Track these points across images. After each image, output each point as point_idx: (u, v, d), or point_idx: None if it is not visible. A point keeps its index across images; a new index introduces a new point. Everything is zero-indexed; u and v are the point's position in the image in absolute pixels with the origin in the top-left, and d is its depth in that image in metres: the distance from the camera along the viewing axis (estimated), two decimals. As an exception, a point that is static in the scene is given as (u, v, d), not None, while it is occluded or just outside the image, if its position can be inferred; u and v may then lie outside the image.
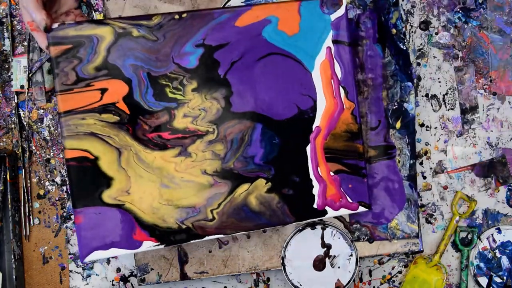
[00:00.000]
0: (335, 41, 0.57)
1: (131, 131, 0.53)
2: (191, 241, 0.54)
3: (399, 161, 0.61)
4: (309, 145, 0.57)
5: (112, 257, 0.69)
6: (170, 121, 0.54)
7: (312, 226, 0.65)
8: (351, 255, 0.65)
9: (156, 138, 0.54)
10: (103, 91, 0.53)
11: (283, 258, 0.65)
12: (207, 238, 0.55)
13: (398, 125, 0.59)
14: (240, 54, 0.55)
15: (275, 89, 0.56)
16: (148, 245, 0.54)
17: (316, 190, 0.57)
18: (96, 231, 0.53)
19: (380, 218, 0.65)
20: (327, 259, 0.65)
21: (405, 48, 0.56)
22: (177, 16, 0.53)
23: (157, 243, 0.54)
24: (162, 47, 0.53)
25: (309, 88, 0.57)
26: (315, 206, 0.57)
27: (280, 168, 0.56)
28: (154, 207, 0.54)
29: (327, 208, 0.57)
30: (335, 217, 0.66)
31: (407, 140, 0.59)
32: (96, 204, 0.53)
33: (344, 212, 0.58)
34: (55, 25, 0.51)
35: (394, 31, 0.56)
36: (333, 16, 0.57)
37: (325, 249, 0.65)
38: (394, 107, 0.59)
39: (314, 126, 0.57)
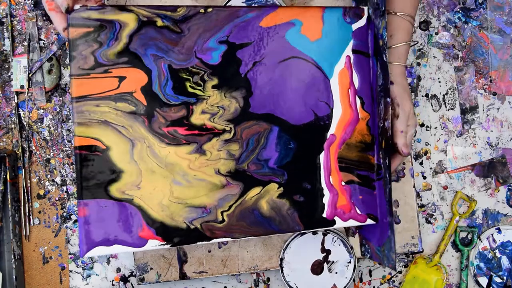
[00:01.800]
0: (354, 51, 0.56)
1: (147, 123, 0.51)
2: (198, 243, 0.53)
3: (383, 184, 0.57)
4: (323, 152, 0.56)
5: (112, 256, 0.69)
6: (188, 117, 0.52)
7: (314, 231, 0.65)
8: (350, 262, 0.65)
9: (172, 133, 0.52)
10: (121, 79, 0.51)
11: (281, 260, 0.65)
12: (214, 240, 0.53)
13: (383, 144, 0.55)
14: (263, 55, 0.54)
15: (294, 93, 0.55)
16: (154, 244, 0.52)
17: (326, 199, 0.56)
18: (100, 225, 0.50)
19: (376, 239, 0.62)
20: (325, 264, 0.65)
21: (386, 60, 0.54)
22: (202, 10, 0.52)
23: (163, 243, 0.52)
24: (186, 40, 0.52)
25: (326, 95, 0.56)
26: (324, 215, 0.56)
27: (293, 174, 0.55)
28: (163, 205, 0.52)
29: (336, 218, 0.56)
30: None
31: (387, 162, 0.55)
32: (103, 196, 0.51)
33: (352, 223, 0.57)
34: (77, 7, 0.49)
35: (380, 42, 0.55)
36: (355, 26, 0.56)
37: (324, 254, 0.65)
38: (381, 125, 0.56)
39: (328, 134, 0.56)
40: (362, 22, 0.57)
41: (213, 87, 0.53)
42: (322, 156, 0.56)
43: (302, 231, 0.64)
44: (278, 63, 0.54)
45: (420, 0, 0.70)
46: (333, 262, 0.65)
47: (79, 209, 0.50)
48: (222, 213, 0.53)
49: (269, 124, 0.54)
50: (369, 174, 0.57)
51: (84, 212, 0.50)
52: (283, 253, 0.65)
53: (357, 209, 0.57)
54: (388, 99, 0.54)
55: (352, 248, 0.65)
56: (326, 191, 0.56)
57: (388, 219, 0.55)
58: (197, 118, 0.52)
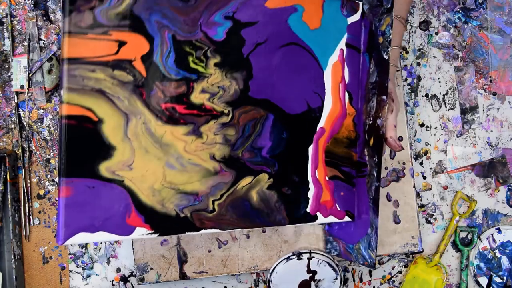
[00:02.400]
0: (348, 45, 0.56)
1: (145, 97, 0.47)
2: (186, 233, 0.50)
3: (368, 181, 0.56)
4: (312, 145, 0.56)
5: (112, 256, 0.69)
6: (188, 94, 0.49)
7: (298, 256, 0.65)
8: (336, 278, 0.66)
9: (170, 110, 0.48)
10: (121, 44, 0.46)
11: (269, 282, 0.65)
12: (202, 231, 0.50)
13: (371, 142, 0.54)
14: (265, 37, 0.52)
15: (290, 81, 0.54)
16: (141, 232, 0.48)
17: (311, 194, 0.55)
18: (84, 209, 0.45)
19: (349, 237, 0.61)
20: (312, 282, 0.66)
21: (386, 58, 0.53)
22: None
23: (150, 231, 0.48)
24: (192, 11, 0.49)
25: (320, 86, 0.55)
26: (308, 210, 0.55)
27: (283, 165, 0.54)
28: (155, 189, 0.48)
29: (318, 213, 0.56)
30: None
31: (376, 160, 0.54)
32: (91, 176, 0.45)
33: (331, 220, 0.56)
34: None
35: (381, 39, 0.54)
36: (350, 20, 0.56)
37: (311, 274, 0.65)
38: (370, 122, 0.55)
39: (318, 127, 0.56)
40: (356, 16, 0.57)
41: (215, 65, 0.50)
42: (310, 149, 0.55)
43: (286, 257, 0.65)
44: (278, 48, 0.53)
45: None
46: (319, 280, 0.66)
47: (60, 188, 0.44)
48: (213, 202, 0.51)
49: (265, 111, 0.53)
50: (351, 171, 0.57)
51: (67, 192, 0.45)
52: (270, 275, 0.65)
53: (337, 205, 0.57)
54: (384, 97, 0.53)
55: (337, 265, 0.65)
56: (311, 185, 0.55)
57: (370, 216, 0.55)
58: (196, 97, 0.50)
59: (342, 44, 0.56)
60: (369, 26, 0.56)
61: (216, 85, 0.51)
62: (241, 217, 0.52)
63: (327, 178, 0.56)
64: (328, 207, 0.56)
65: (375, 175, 0.54)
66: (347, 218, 0.57)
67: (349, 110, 0.57)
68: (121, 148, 0.47)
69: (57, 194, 0.69)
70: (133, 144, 0.47)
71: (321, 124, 0.56)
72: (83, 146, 0.45)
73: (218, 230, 0.51)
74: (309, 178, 0.55)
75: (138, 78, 0.47)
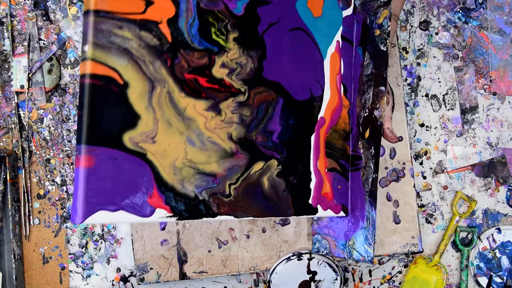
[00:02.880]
0: (343, 37, 0.57)
1: (169, 64, 0.45)
2: (204, 219, 0.48)
3: (363, 174, 0.56)
4: (313, 134, 0.55)
5: (112, 256, 0.69)
6: (209, 67, 0.48)
7: (299, 257, 0.65)
8: (336, 279, 0.66)
9: (193, 82, 0.47)
10: (148, 3, 0.45)
11: (269, 282, 0.65)
12: (218, 218, 0.48)
13: (366, 134, 0.54)
14: (277, 18, 0.52)
15: (297, 66, 0.54)
16: (160, 214, 0.44)
17: (313, 184, 0.55)
18: (106, 183, 0.41)
19: (340, 233, 0.60)
20: (312, 283, 0.66)
21: (385, 49, 0.53)
22: None
23: (170, 214, 0.45)
24: None
25: (320, 75, 0.56)
26: (310, 201, 0.55)
27: (290, 152, 0.53)
28: (176, 167, 0.45)
29: (318, 206, 0.55)
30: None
31: (373, 151, 0.53)
32: (115, 146, 0.41)
33: (329, 214, 0.55)
34: None
35: (377, 32, 0.55)
36: (344, 13, 0.57)
37: (311, 275, 0.66)
38: (365, 114, 0.55)
39: (319, 116, 0.56)
40: (349, 10, 0.58)
41: (234, 40, 0.50)
42: (313, 138, 0.55)
43: (286, 258, 0.65)
44: (288, 31, 0.53)
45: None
46: (319, 280, 0.66)
47: (80, 157, 0.40)
48: (229, 185, 0.49)
49: (276, 94, 0.52)
50: (345, 164, 0.57)
51: (89, 162, 0.40)
52: (270, 276, 0.65)
53: (334, 199, 0.56)
54: (383, 88, 0.53)
55: (337, 266, 0.65)
56: (313, 176, 0.55)
57: (367, 210, 0.55)
58: (217, 71, 0.49)
59: (338, 36, 0.57)
60: (361, 20, 0.56)
61: (235, 61, 0.50)
62: (254, 204, 0.51)
63: (326, 170, 0.56)
64: (328, 199, 0.56)
65: (372, 167, 0.54)
66: (341, 213, 0.57)
67: (344, 102, 0.57)
68: (145, 118, 0.44)
69: (57, 196, 0.69)
70: (156, 115, 0.44)
71: (321, 113, 0.56)
72: (107, 111, 0.41)
73: (232, 218, 0.49)
74: (311, 168, 0.55)
75: (163, 43, 0.45)
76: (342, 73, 0.57)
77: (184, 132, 0.46)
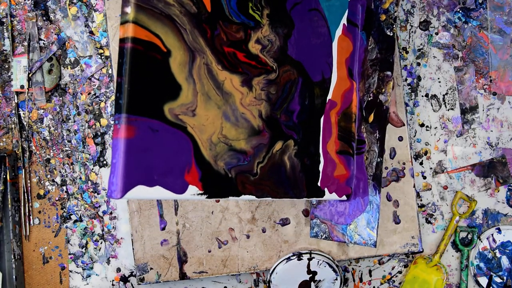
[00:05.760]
0: (348, 20, 0.57)
1: (209, 35, 0.44)
2: (230, 198, 0.46)
3: (366, 158, 0.56)
4: (323, 116, 0.54)
5: (112, 256, 0.69)
6: (246, 42, 0.47)
7: (299, 257, 0.65)
8: (336, 279, 0.66)
9: (232, 55, 0.46)
10: None
11: (269, 282, 0.65)
12: (242, 197, 0.46)
13: (370, 118, 0.54)
14: None
15: (313, 47, 0.53)
16: (192, 191, 0.42)
17: (321, 167, 0.53)
18: (146, 156, 0.38)
19: (340, 217, 0.60)
20: (312, 283, 0.66)
21: (391, 34, 0.53)
22: None
23: (201, 191, 0.43)
24: None
25: (330, 57, 0.55)
26: (318, 184, 0.53)
27: (305, 133, 0.52)
28: (212, 142, 0.44)
29: (325, 189, 0.54)
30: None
31: (378, 135, 0.54)
32: (156, 117, 0.39)
33: (334, 197, 0.54)
34: None
35: (383, 17, 0.55)
36: None
37: (311, 275, 0.66)
38: (369, 99, 0.55)
39: (327, 98, 0.55)
40: None
41: (267, 16, 0.49)
42: (322, 121, 0.54)
43: (286, 258, 0.65)
44: (308, 11, 0.53)
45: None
46: (319, 280, 0.66)
47: (121, 127, 0.37)
48: (258, 164, 0.48)
49: (298, 74, 0.52)
50: (352, 148, 0.57)
51: (130, 132, 0.37)
52: (270, 276, 0.65)
53: (346, 182, 0.56)
54: (389, 72, 0.53)
55: (337, 266, 0.65)
56: (321, 158, 0.54)
57: (370, 193, 0.55)
58: (253, 46, 0.48)
59: (344, 19, 0.57)
60: (366, 5, 0.56)
61: (267, 37, 0.49)
62: (276, 184, 0.50)
63: (336, 153, 0.55)
64: (341, 181, 0.54)
65: (377, 151, 0.54)
66: (344, 197, 0.56)
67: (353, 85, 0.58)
68: (185, 89, 0.42)
69: (57, 196, 0.69)
70: (196, 87, 0.43)
71: (329, 96, 0.55)
72: (150, 80, 0.39)
73: (255, 198, 0.47)
74: (320, 150, 0.54)
75: (202, 12, 0.43)
76: (348, 56, 0.57)
77: (221, 107, 0.44)
